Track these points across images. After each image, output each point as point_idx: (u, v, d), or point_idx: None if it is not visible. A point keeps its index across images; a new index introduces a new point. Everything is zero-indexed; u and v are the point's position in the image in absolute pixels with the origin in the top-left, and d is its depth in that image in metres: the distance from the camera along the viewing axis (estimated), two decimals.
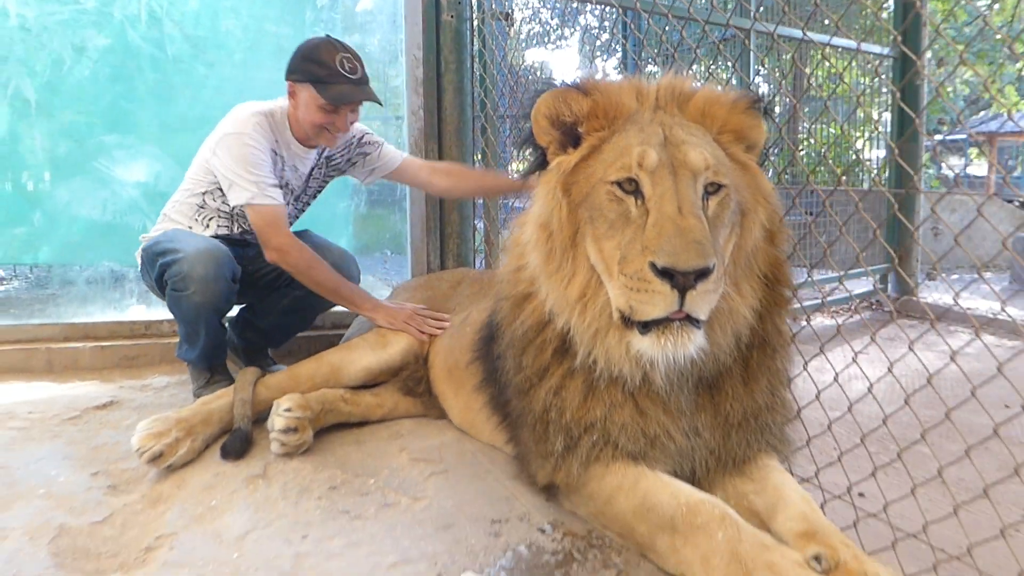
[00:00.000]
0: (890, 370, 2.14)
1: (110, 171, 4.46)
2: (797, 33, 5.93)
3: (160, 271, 3.35)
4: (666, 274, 1.81)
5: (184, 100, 4.55)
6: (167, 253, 3.31)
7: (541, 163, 2.30)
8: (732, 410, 2.21)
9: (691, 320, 1.89)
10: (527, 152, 2.37)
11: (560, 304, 2.17)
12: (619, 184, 2.00)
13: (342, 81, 3.34)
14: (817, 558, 1.76)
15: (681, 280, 1.81)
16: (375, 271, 6.16)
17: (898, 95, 6.59)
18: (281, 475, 2.70)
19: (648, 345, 1.93)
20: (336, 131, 3.48)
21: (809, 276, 3.10)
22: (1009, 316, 1.88)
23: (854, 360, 2.36)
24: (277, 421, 2.84)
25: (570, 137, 2.23)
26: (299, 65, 3.41)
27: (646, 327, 1.92)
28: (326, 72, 3.34)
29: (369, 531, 2.27)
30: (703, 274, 1.81)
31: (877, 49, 7.40)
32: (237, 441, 2.87)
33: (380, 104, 3.55)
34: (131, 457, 2.86)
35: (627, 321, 1.97)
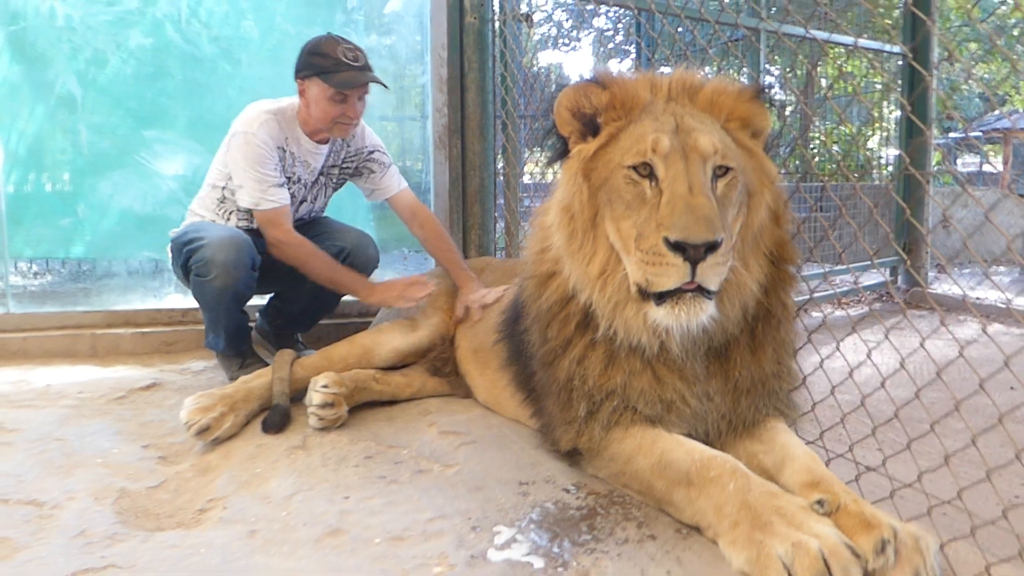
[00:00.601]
0: (902, 365, 2.28)
1: (150, 165, 4.68)
2: (805, 32, 6.07)
3: (185, 258, 3.55)
4: (678, 248, 1.99)
5: (219, 97, 4.76)
6: (192, 242, 3.53)
7: (563, 152, 2.49)
8: (741, 377, 2.39)
9: (702, 291, 2.07)
10: (550, 142, 2.57)
11: (582, 280, 2.35)
12: (635, 168, 2.18)
13: (346, 68, 3.50)
14: (820, 502, 1.94)
15: (692, 253, 1.99)
16: (394, 266, 6.36)
17: (906, 103, 6.73)
18: (319, 447, 2.89)
19: (663, 315, 2.11)
20: (349, 121, 3.64)
21: (824, 272, 3.23)
22: (1015, 307, 2.02)
23: (868, 356, 2.49)
24: (315, 396, 3.03)
25: (589, 127, 2.41)
26: (305, 62, 3.58)
27: (661, 298, 2.10)
28: (330, 63, 3.50)
29: (405, 493, 2.45)
30: (712, 247, 2.00)
31: (885, 48, 7.53)
32: (277, 416, 3.06)
33: (386, 87, 3.74)
34: (177, 432, 3.07)
35: (644, 293, 2.15)
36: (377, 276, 4.10)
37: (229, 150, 3.63)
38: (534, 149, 5.40)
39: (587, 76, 2.47)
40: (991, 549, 1.98)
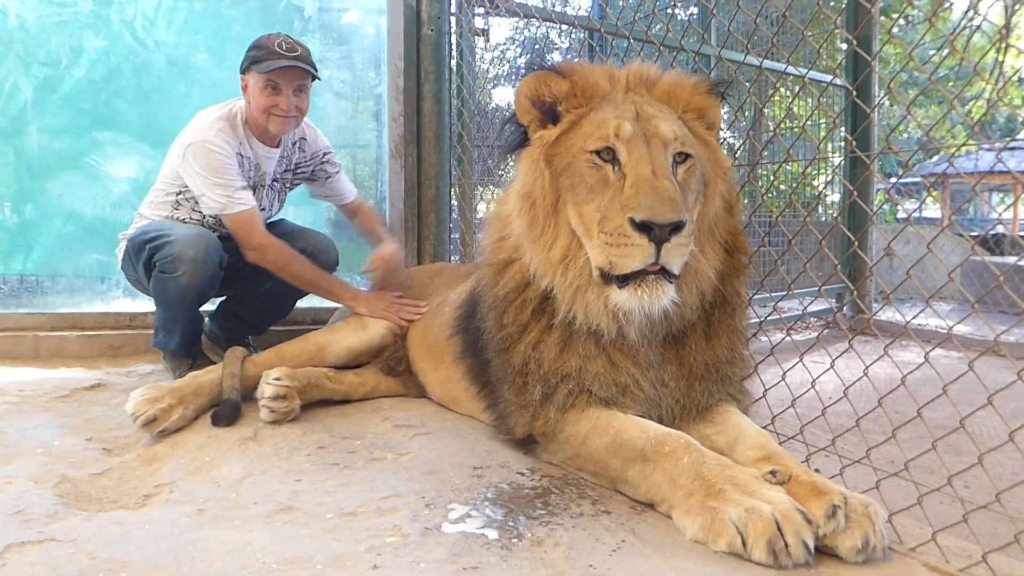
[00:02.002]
0: (866, 374, 2.35)
1: (101, 167, 4.61)
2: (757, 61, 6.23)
3: (149, 255, 3.47)
4: (644, 228, 2.04)
5: (173, 101, 4.73)
6: (157, 239, 3.45)
7: (521, 141, 2.53)
8: (695, 363, 2.43)
9: (665, 274, 2.12)
10: (508, 131, 2.61)
11: (544, 266, 2.38)
12: (598, 153, 2.23)
13: (278, 57, 3.50)
14: (772, 472, 1.97)
15: (658, 233, 2.03)
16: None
17: (850, 138, 6.96)
18: (271, 438, 2.84)
19: (625, 297, 2.14)
20: (284, 113, 3.61)
21: (778, 298, 3.30)
22: (950, 333, 2.10)
23: (832, 367, 2.54)
24: (267, 389, 2.99)
25: (549, 116, 2.46)
26: (245, 57, 3.62)
27: (624, 281, 2.14)
28: (264, 52, 3.53)
29: (359, 476, 2.42)
30: (677, 228, 2.04)
31: (836, 80, 7.77)
32: (228, 409, 3.01)
33: (317, 77, 3.73)
34: (124, 428, 3.01)
35: (606, 277, 2.18)
36: None
37: (184, 160, 3.55)
38: (488, 186, 5.47)
39: (547, 64, 2.53)
40: (940, 523, 2.02)
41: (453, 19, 4.76)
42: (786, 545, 1.74)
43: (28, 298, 4.62)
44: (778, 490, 1.89)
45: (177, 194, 3.72)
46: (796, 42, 7.34)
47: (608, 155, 2.22)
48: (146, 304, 3.74)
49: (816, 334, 7.32)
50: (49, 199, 4.59)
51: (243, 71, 3.63)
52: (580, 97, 2.40)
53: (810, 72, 7.30)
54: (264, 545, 1.88)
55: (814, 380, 2.57)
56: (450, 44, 4.76)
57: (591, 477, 2.35)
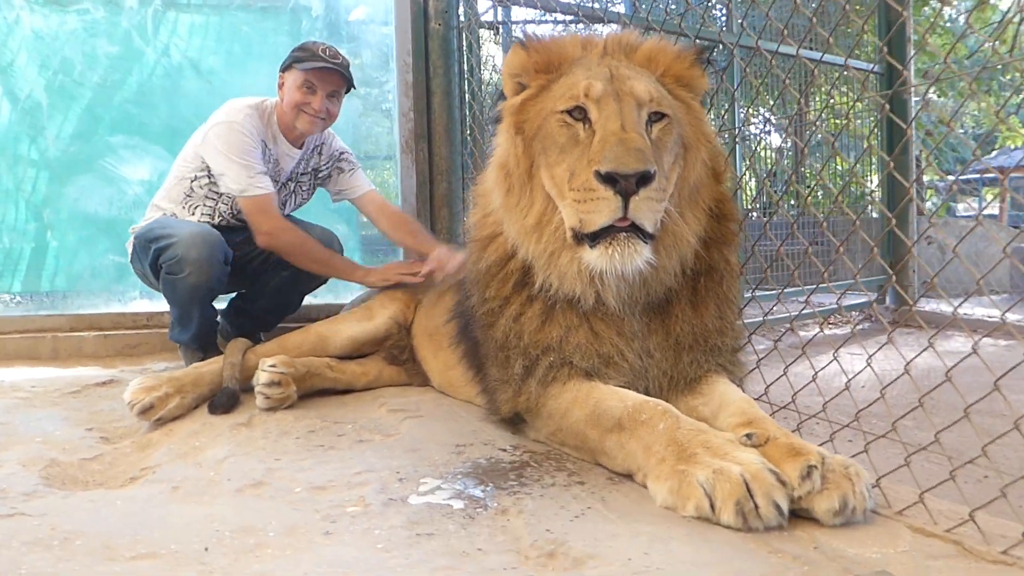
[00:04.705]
0: (906, 370, 2.21)
1: (115, 170, 4.70)
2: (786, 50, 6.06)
3: (155, 256, 3.51)
4: (609, 180, 1.97)
5: (184, 103, 4.81)
6: (161, 239, 3.49)
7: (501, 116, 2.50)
8: (682, 332, 2.34)
9: (637, 231, 2.04)
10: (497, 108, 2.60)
11: (520, 233, 2.32)
12: (569, 112, 2.19)
13: (319, 59, 3.59)
14: (748, 436, 1.88)
15: (623, 184, 1.97)
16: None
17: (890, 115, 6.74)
18: (264, 424, 2.82)
19: (596, 256, 2.07)
20: (314, 113, 3.66)
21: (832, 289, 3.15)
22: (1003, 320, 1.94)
23: (868, 364, 2.41)
24: (262, 376, 2.98)
25: (524, 87, 2.42)
26: (287, 57, 3.70)
27: (595, 240, 2.07)
28: (307, 54, 3.61)
29: (340, 456, 2.39)
30: (644, 179, 1.97)
31: (873, 68, 7.54)
32: (224, 397, 3.00)
33: (353, 86, 3.79)
34: (126, 419, 3.02)
35: (578, 237, 2.12)
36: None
37: (206, 140, 3.63)
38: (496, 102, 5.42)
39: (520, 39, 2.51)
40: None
41: (461, 12, 4.75)
42: (756, 507, 1.65)
43: (48, 300, 4.72)
44: (751, 452, 1.80)
45: (192, 180, 3.76)
46: (836, 30, 7.14)
47: (579, 114, 2.18)
48: (162, 304, 3.78)
49: (856, 326, 7.11)
50: (66, 203, 4.69)
51: (283, 69, 3.71)
52: (543, 67, 2.37)
53: (847, 60, 7.14)
54: (223, 516, 1.86)
55: (856, 369, 2.45)
56: (459, 38, 4.74)
57: (573, 451, 2.28)
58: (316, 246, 3.66)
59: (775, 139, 8.61)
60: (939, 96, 16.01)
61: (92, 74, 4.62)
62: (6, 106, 4.58)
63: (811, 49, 6.86)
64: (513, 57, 2.44)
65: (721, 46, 5.18)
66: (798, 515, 1.73)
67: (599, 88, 2.16)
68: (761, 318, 2.90)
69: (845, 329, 7.42)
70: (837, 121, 7.97)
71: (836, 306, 7.23)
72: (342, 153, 4.11)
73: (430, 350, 3.32)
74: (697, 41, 3.51)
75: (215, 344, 3.83)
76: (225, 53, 4.88)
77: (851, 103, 8.22)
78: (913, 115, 7.51)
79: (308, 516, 1.83)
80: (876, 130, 7.67)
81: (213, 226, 3.70)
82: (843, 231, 7.33)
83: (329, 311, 4.35)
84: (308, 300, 4.17)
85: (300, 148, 3.88)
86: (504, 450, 2.35)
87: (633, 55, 2.40)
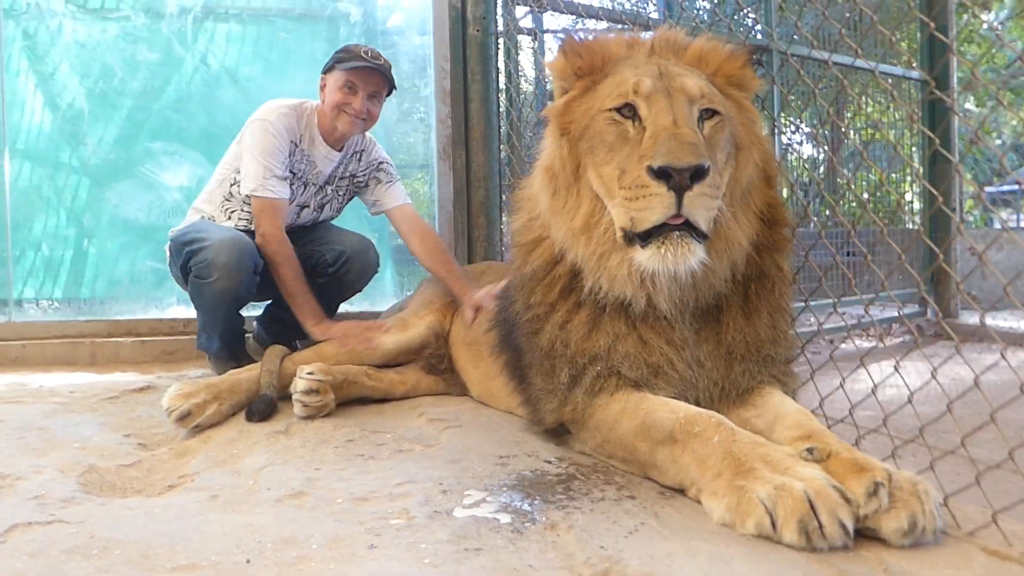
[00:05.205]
0: (976, 385, 2.10)
1: (155, 176, 4.73)
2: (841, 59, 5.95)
3: (186, 259, 3.51)
4: (663, 175, 1.90)
5: (223, 109, 4.83)
6: (194, 242, 3.49)
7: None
8: (733, 341, 2.26)
9: (690, 229, 1.96)
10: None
11: (567, 237, 2.26)
12: (617, 110, 2.13)
13: (361, 60, 3.57)
14: (809, 450, 1.79)
15: (677, 179, 1.90)
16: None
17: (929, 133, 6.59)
18: (302, 432, 2.78)
19: (648, 256, 2.00)
20: (354, 113, 3.63)
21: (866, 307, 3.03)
22: None
23: (933, 376, 2.30)
24: (300, 383, 2.94)
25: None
26: (330, 58, 3.70)
27: (647, 239, 1.99)
28: (349, 55, 3.60)
29: (380, 465, 2.33)
30: (699, 174, 1.90)
31: (910, 74, 7.38)
32: (262, 404, 2.97)
33: (394, 87, 3.75)
34: (164, 425, 2.99)
35: (629, 237, 2.05)
36: None
37: (242, 139, 3.67)
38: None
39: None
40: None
41: (500, 18, 4.71)
42: (820, 525, 1.56)
43: (86, 306, 4.75)
44: (814, 467, 1.71)
45: (232, 183, 3.77)
46: (872, 37, 7.01)
47: (628, 112, 2.12)
48: None
49: (899, 338, 6.95)
50: (106, 209, 4.73)
51: (325, 71, 3.71)
52: (585, 69, 2.32)
53: (881, 65, 7.00)
54: (264, 527, 1.81)
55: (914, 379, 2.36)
56: (496, 44, 4.70)
57: (621, 464, 2.20)
58: (296, 274, 3.55)
59: (808, 149, 8.49)
60: (976, 107, 15.68)
61: (132, 81, 4.67)
62: (48, 115, 4.64)
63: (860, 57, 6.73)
64: (555, 61, 2.40)
65: (769, 53, 5.07)
66: (863, 534, 1.64)
67: (648, 84, 2.10)
68: (814, 328, 2.81)
69: (884, 341, 7.27)
70: (881, 132, 7.81)
71: (895, 317, 7.12)
72: (382, 163, 4.05)
73: (469, 359, 3.26)
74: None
75: (245, 352, 3.81)
76: (263, 60, 4.91)
77: (893, 112, 8.07)
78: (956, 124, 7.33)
79: (351, 528, 1.77)
80: (915, 140, 7.51)
81: (249, 232, 3.69)
82: (884, 242, 7.16)
83: (365, 319, 4.32)
84: (343, 308, 4.14)
85: (340, 151, 3.85)
86: (549, 462, 2.28)
87: (683, 54, 2.34)
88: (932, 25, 3.22)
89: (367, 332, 3.44)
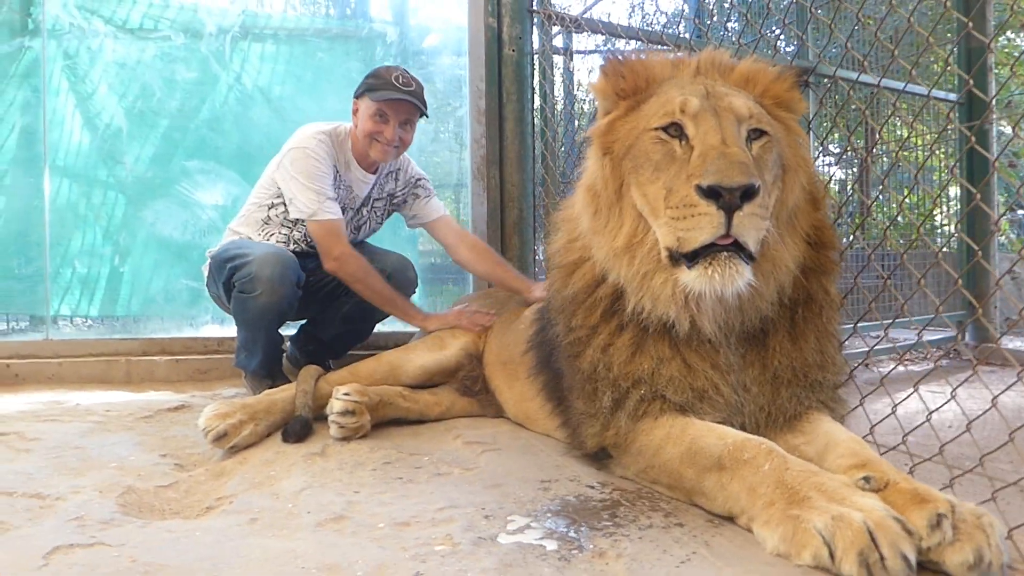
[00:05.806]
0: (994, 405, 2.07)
1: (191, 194, 4.76)
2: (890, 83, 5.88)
3: (229, 274, 3.52)
4: (712, 194, 1.87)
5: (260, 129, 4.87)
6: (236, 258, 3.50)
7: None
8: (780, 365, 2.21)
9: (739, 250, 1.92)
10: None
11: (609, 256, 2.23)
12: (663, 129, 2.10)
13: (393, 89, 3.58)
14: (866, 479, 1.74)
15: (727, 198, 1.86)
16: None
17: (969, 135, 6.49)
18: (338, 454, 2.75)
19: (695, 277, 1.96)
20: (386, 142, 3.65)
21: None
22: None
23: (994, 404, 2.26)
24: (336, 404, 2.92)
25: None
26: (361, 83, 3.71)
27: (693, 260, 1.95)
28: (380, 82, 3.61)
29: (419, 489, 2.30)
30: (749, 193, 1.86)
31: (950, 96, 7.28)
32: (298, 425, 2.95)
33: (426, 114, 3.76)
34: (199, 445, 2.98)
35: (674, 257, 2.02)
36: None
37: (281, 166, 3.67)
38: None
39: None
40: None
41: (535, 39, 4.71)
42: (881, 558, 1.50)
43: (121, 324, 4.78)
44: (872, 497, 1.66)
45: (269, 207, 3.78)
46: (908, 57, 6.92)
47: (675, 131, 2.09)
48: (233, 329, 3.78)
49: (935, 364, 6.82)
50: (142, 228, 4.77)
51: (357, 96, 3.72)
52: (629, 89, 2.30)
53: (909, 85, 6.92)
54: (306, 552, 1.78)
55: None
56: (532, 64, 4.70)
57: (666, 490, 2.15)
58: (380, 280, 3.62)
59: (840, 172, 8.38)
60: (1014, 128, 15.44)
61: (170, 100, 4.73)
62: (87, 134, 4.70)
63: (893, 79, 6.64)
64: (597, 82, 2.38)
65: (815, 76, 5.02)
66: (924, 567, 1.58)
67: (696, 104, 2.07)
68: (864, 349, 2.74)
69: (922, 366, 7.14)
70: (917, 154, 7.70)
71: (953, 337, 7.00)
72: (419, 179, 4.08)
73: (504, 380, 3.23)
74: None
75: (281, 371, 3.81)
76: (299, 80, 4.95)
77: (933, 134, 7.96)
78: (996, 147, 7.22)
79: (395, 555, 1.74)
80: (957, 162, 7.39)
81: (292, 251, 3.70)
82: (924, 265, 7.05)
83: (399, 339, 4.30)
84: (378, 327, 4.13)
85: (374, 174, 3.87)
86: (592, 487, 2.24)
87: (729, 75, 2.31)
88: (987, 45, 3.15)
89: (474, 318, 3.54)
